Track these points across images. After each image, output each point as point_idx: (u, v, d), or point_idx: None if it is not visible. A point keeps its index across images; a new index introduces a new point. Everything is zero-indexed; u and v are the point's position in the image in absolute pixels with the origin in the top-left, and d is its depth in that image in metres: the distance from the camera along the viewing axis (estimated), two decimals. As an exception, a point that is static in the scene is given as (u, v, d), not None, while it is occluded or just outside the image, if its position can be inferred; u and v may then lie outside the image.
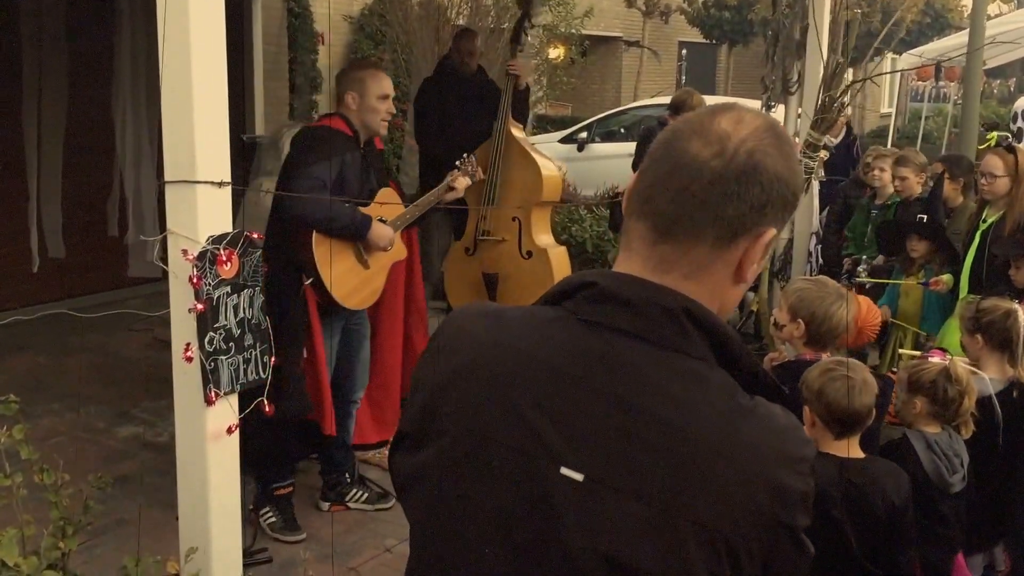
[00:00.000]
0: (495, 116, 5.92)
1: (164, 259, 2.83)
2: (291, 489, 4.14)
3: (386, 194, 4.12)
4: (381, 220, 4.00)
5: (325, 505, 4.27)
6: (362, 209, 3.93)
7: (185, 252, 2.75)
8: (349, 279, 3.90)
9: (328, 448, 4.22)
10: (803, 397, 2.61)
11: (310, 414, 3.86)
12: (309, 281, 3.77)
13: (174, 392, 2.90)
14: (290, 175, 3.77)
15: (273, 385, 3.15)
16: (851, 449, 2.59)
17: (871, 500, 2.50)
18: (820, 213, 6.71)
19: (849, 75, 6.64)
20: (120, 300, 7.19)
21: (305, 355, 3.80)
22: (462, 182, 4.45)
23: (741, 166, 1.12)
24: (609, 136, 13.02)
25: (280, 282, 3.77)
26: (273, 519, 4.06)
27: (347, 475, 4.31)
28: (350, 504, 4.28)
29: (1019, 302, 3.50)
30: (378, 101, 3.94)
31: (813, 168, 5.48)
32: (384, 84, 3.98)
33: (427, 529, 1.20)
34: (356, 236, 3.89)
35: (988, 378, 3.16)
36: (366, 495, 4.31)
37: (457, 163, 4.59)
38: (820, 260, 6.45)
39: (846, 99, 5.66)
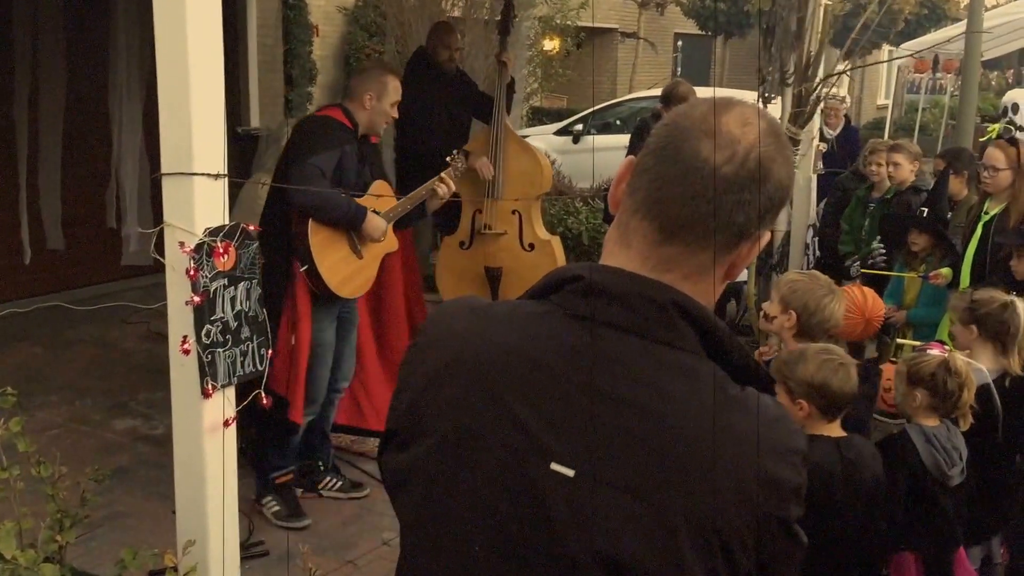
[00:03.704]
0: (473, 111, 5.89)
1: (160, 251, 2.82)
2: (291, 477, 4.17)
3: (379, 187, 4.21)
4: (375, 212, 4.07)
5: (297, 491, 4.28)
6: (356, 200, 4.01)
7: (182, 244, 2.74)
8: (342, 268, 3.98)
9: (306, 434, 4.23)
10: (791, 390, 2.62)
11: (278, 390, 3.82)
12: (304, 268, 3.84)
13: (171, 385, 2.89)
14: (290, 162, 3.86)
15: None
16: (837, 429, 2.66)
17: (862, 473, 2.58)
18: (817, 205, 6.71)
19: (842, 67, 6.63)
20: (116, 292, 7.18)
21: (293, 342, 3.86)
22: (448, 183, 4.40)
23: (751, 174, 1.12)
24: (605, 128, 12.99)
25: (271, 269, 3.80)
26: (277, 507, 4.09)
27: (320, 463, 4.34)
28: (323, 492, 4.31)
29: (1015, 293, 3.49)
30: (391, 107, 4.12)
31: (796, 163, 5.49)
32: (400, 92, 4.16)
33: (417, 527, 1.19)
34: (351, 226, 3.98)
35: (985, 369, 3.17)
36: (340, 483, 4.34)
37: (448, 159, 4.61)
38: (817, 252, 6.44)
39: (823, 91, 5.65)
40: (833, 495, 2.48)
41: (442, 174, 4.41)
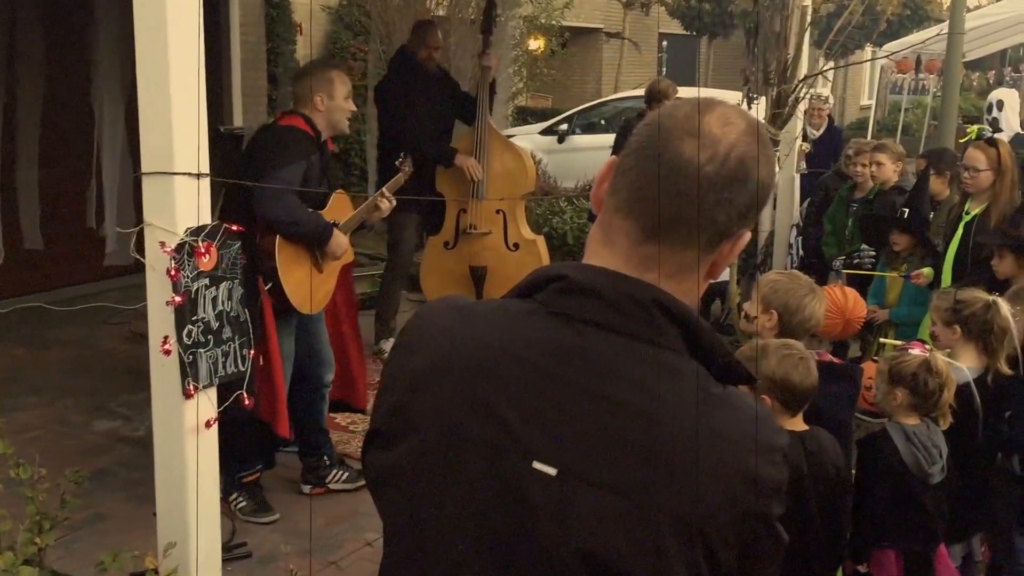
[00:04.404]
0: (456, 112, 5.88)
1: (141, 251, 2.80)
2: (258, 475, 4.19)
3: (340, 197, 4.17)
4: (334, 224, 4.04)
5: (306, 488, 4.31)
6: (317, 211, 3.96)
7: (163, 244, 2.72)
8: (305, 284, 3.96)
9: (305, 433, 4.27)
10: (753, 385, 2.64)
11: (262, 416, 3.86)
12: (268, 287, 3.78)
13: (152, 386, 2.87)
14: (256, 175, 3.76)
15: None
16: (799, 423, 2.67)
17: (825, 466, 2.59)
18: (800, 205, 6.73)
19: (822, 67, 6.65)
20: (96, 293, 7.13)
21: (262, 362, 3.75)
22: (389, 198, 4.28)
23: (732, 173, 1.13)
24: (590, 128, 13.01)
25: None
26: (244, 503, 4.09)
27: (326, 457, 4.35)
28: (331, 486, 4.32)
29: (997, 293, 3.51)
30: (345, 101, 4.03)
31: (779, 163, 5.51)
32: (348, 83, 4.09)
33: (401, 527, 1.19)
34: (319, 243, 3.95)
35: (966, 368, 3.19)
36: (346, 475, 4.35)
37: (397, 162, 4.54)
38: (800, 252, 6.47)
39: (802, 92, 5.67)
40: (801, 489, 2.50)
41: (383, 188, 4.33)
